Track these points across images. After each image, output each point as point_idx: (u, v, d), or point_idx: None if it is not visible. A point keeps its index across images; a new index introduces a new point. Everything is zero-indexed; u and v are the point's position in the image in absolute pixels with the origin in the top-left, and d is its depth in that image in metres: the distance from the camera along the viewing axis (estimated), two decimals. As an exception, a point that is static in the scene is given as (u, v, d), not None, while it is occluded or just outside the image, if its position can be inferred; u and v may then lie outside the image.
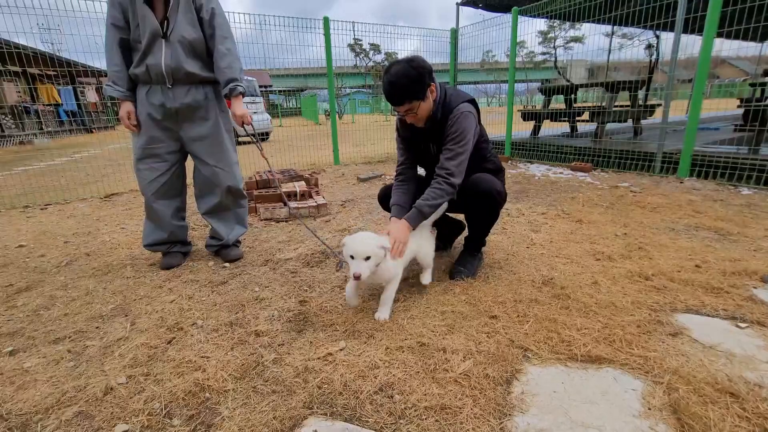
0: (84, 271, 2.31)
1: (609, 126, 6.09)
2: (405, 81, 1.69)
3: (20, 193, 4.46)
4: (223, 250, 2.40)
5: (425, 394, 1.19)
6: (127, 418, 1.16)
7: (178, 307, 1.82)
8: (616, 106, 5.77)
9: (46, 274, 2.27)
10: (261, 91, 11.78)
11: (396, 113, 1.86)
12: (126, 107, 2.06)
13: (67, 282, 2.16)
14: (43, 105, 12.96)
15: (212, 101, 2.19)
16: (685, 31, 4.28)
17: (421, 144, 1.98)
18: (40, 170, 6.38)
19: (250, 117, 2.19)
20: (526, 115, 6.74)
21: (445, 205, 1.89)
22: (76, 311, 1.83)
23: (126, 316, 1.77)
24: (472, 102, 1.87)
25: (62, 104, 13.67)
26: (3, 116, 10.84)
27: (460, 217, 2.26)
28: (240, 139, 10.44)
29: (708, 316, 1.58)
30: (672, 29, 4.34)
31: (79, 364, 1.43)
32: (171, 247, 2.34)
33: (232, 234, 2.40)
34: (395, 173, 2.06)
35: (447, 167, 1.78)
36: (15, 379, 1.35)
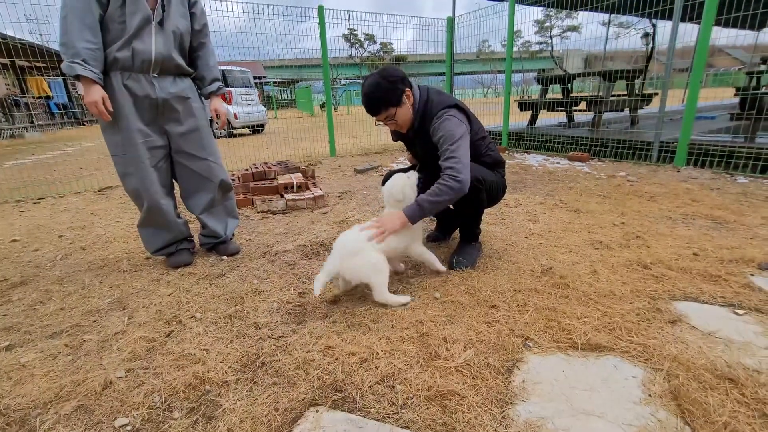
0: (79, 265, 2.29)
1: (606, 116, 6.07)
2: (378, 91, 1.79)
3: (13, 188, 4.40)
4: (220, 245, 2.35)
5: (427, 384, 1.18)
6: (126, 412, 1.15)
7: (176, 300, 1.81)
8: (613, 96, 5.75)
9: (41, 269, 2.25)
10: (255, 83, 11.63)
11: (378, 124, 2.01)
12: (100, 91, 1.81)
13: (63, 276, 2.14)
14: (34, 98, 12.75)
15: (196, 92, 2.17)
16: (681, 20, 4.25)
17: (411, 147, 2.15)
18: (32, 164, 6.29)
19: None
20: (523, 105, 6.71)
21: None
22: (73, 305, 1.81)
23: (123, 309, 1.75)
24: (456, 107, 1.87)
25: (53, 97, 13.45)
26: (-8, 109, 10.66)
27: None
28: (235, 131, 10.38)
29: (706, 303, 1.59)
30: (669, 17, 4.32)
31: (77, 358, 1.41)
32: (178, 246, 2.24)
33: (228, 229, 2.36)
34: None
35: (449, 165, 1.76)
36: (12, 374, 1.33)
